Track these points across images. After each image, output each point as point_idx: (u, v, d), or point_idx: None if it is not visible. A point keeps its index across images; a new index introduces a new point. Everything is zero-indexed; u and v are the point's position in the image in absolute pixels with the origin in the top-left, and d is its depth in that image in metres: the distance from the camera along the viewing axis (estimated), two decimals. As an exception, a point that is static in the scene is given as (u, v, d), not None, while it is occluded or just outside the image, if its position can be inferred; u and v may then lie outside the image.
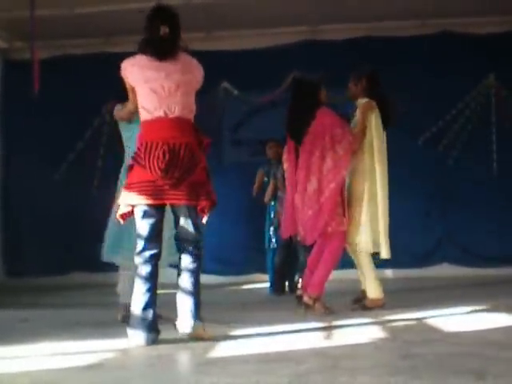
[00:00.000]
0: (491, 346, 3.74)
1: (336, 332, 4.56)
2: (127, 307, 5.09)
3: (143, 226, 4.16)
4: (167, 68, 4.21)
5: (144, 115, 4.21)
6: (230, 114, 10.34)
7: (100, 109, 10.01)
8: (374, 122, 5.83)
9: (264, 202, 8.05)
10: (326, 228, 5.67)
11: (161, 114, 4.15)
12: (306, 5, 9.32)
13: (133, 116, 4.94)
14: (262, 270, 9.02)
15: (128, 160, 4.78)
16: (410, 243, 9.31)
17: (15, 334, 4.70)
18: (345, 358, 3.49)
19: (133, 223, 4.32)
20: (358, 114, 5.94)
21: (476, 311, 5.38)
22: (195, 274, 4.23)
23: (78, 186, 9.84)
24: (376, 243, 5.74)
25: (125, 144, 5.43)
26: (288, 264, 7.89)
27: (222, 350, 3.85)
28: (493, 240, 9.42)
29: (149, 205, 4.12)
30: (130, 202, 4.15)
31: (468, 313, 5.33)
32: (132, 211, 4.18)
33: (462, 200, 9.58)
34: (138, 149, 4.17)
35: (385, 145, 5.91)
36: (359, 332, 4.53)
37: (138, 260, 4.16)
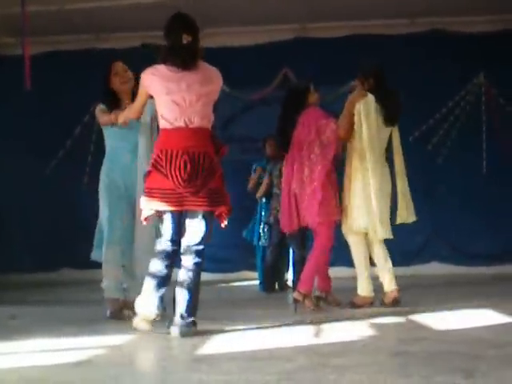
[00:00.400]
0: (480, 343, 3.76)
1: (325, 330, 4.56)
2: (114, 302, 5.12)
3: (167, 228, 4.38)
4: (189, 79, 4.29)
5: (164, 124, 4.31)
6: (220, 111, 10.27)
7: (90, 105, 10.01)
8: (364, 111, 5.83)
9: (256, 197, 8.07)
10: (316, 217, 5.74)
11: (181, 124, 4.25)
12: (296, 2, 9.31)
13: (126, 123, 4.97)
14: (251, 268, 9.02)
15: (108, 169, 5.36)
16: (399, 241, 9.24)
17: (4, 331, 4.68)
18: (334, 355, 3.49)
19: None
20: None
21: (465, 309, 5.40)
22: (196, 271, 4.33)
23: (67, 183, 9.81)
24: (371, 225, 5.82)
25: (110, 150, 5.52)
26: (279, 262, 7.90)
27: (212, 347, 3.85)
28: (482, 238, 9.45)
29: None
30: (153, 207, 4.33)
31: (457, 311, 5.34)
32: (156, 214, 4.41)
33: (451, 198, 9.60)
34: (159, 156, 4.25)
35: (384, 138, 5.95)
36: (349, 330, 4.54)
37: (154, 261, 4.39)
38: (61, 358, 3.59)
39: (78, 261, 9.79)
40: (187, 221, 4.36)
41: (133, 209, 5.14)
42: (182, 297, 4.23)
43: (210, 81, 4.41)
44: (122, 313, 5.15)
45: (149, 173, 4.33)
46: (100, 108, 5.38)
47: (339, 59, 9.58)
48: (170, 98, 4.25)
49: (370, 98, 5.88)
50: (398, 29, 9.89)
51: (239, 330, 4.52)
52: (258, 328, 4.59)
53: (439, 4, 9.27)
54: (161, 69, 4.33)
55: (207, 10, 9.40)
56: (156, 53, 4.53)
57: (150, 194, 4.30)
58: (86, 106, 9.70)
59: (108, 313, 5.18)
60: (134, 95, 5.03)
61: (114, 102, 5.34)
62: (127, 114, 4.83)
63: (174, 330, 4.18)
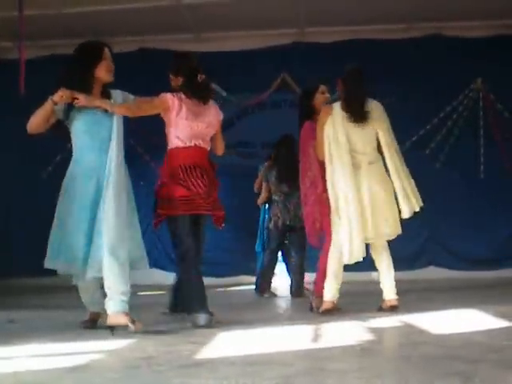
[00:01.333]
0: (479, 348, 3.75)
1: (323, 334, 4.56)
2: (90, 313, 5.06)
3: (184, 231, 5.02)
4: (204, 111, 5.19)
5: (177, 143, 5.08)
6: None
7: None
8: (332, 133, 5.78)
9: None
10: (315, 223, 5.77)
11: (192, 144, 5.09)
12: (294, 7, 9.34)
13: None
14: (249, 272, 9.03)
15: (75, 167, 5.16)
16: (397, 246, 9.25)
17: (2, 335, 4.68)
18: (332, 360, 3.48)
19: (80, 228, 4.71)
20: None
21: (463, 314, 5.40)
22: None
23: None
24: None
25: (79, 147, 5.16)
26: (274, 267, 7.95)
27: (209, 351, 3.85)
28: (479, 243, 9.47)
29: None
30: (175, 212, 4.97)
31: (455, 315, 5.34)
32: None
33: (448, 203, 9.62)
34: (177, 171, 4.99)
35: (367, 139, 5.87)
36: (346, 334, 4.53)
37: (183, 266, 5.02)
38: (58, 362, 3.58)
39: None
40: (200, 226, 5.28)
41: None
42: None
43: (215, 115, 5.35)
44: (94, 323, 5.07)
45: (163, 185, 5.06)
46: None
47: (337, 64, 9.56)
48: (188, 122, 5.07)
49: (336, 109, 5.83)
50: (395, 34, 9.93)
51: (237, 334, 4.51)
52: (256, 332, 4.59)
53: (437, 9, 9.31)
54: (186, 100, 5.12)
55: (205, 14, 9.44)
56: None
57: (170, 201, 4.97)
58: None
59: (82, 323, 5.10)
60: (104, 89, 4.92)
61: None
62: (119, 106, 4.87)
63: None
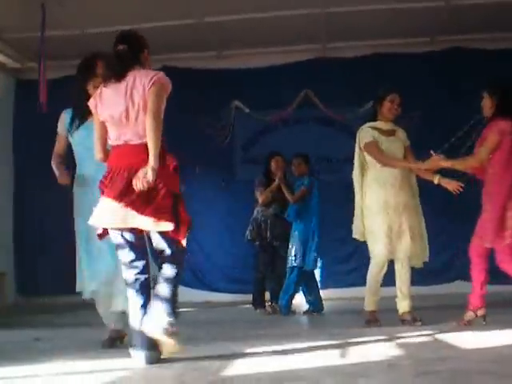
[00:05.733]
0: (508, 363, 3.70)
1: (350, 349, 4.52)
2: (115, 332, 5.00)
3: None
4: (118, 93, 4.21)
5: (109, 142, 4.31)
6: (241, 132, 10.36)
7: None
8: None
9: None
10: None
11: (121, 141, 4.19)
12: (315, 23, 9.35)
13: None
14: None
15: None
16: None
17: (28, 353, 4.69)
18: (359, 375, 3.45)
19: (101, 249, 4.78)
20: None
21: (490, 328, 5.34)
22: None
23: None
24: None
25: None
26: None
27: (236, 368, 3.83)
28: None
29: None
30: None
31: (482, 330, 5.29)
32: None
33: (474, 216, 9.52)
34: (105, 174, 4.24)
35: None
36: (374, 349, 4.50)
37: (127, 275, 4.17)
38: (85, 380, 3.59)
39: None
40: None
41: None
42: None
43: (136, 86, 4.12)
44: (112, 342, 5.01)
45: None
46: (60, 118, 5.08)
47: (359, 78, 9.60)
48: (104, 117, 4.23)
49: None
50: (418, 47, 9.91)
51: (263, 350, 4.48)
52: (283, 348, 4.56)
53: (459, 22, 9.27)
54: (103, 90, 4.26)
55: (228, 31, 9.48)
56: None
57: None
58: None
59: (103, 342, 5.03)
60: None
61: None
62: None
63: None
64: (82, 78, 4.90)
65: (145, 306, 4.09)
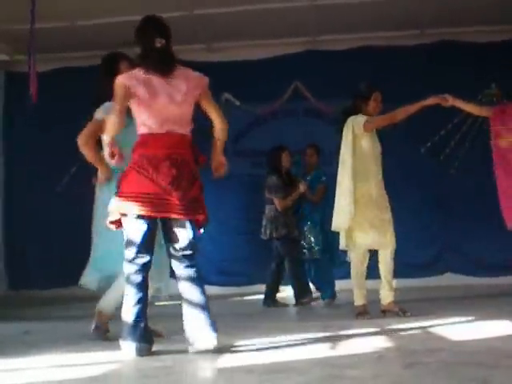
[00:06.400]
0: (495, 354, 3.73)
1: (340, 341, 4.55)
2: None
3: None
4: (170, 86, 4.28)
5: (143, 130, 4.26)
6: (231, 124, 10.26)
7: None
8: None
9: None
10: None
11: (163, 130, 4.23)
12: (305, 15, 9.34)
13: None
14: (262, 281, 9.02)
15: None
16: (413, 253, 9.31)
17: (17, 347, 4.69)
18: (349, 367, 3.47)
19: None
20: None
21: (479, 320, 5.37)
22: (197, 282, 4.21)
23: (80, 199, 9.81)
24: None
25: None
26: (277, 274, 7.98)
27: (227, 360, 3.84)
28: (496, 248, 9.40)
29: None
30: (129, 212, 4.19)
31: (471, 322, 5.31)
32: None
33: (464, 209, 9.57)
34: (141, 161, 4.18)
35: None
36: (363, 341, 4.52)
37: (129, 269, 4.16)
38: (75, 373, 3.59)
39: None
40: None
41: None
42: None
43: (188, 83, 4.30)
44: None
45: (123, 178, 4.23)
46: (110, 106, 4.70)
47: (350, 71, 9.60)
48: (150, 103, 4.18)
49: None
50: (408, 40, 9.92)
51: (254, 343, 4.50)
52: (273, 341, 4.57)
53: (449, 14, 9.28)
54: (142, 74, 4.23)
55: (217, 24, 9.46)
56: None
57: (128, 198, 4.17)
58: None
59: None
60: None
61: None
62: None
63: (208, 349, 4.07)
64: (109, 77, 4.75)
65: (141, 301, 4.12)
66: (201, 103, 4.40)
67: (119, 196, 4.17)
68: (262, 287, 8.21)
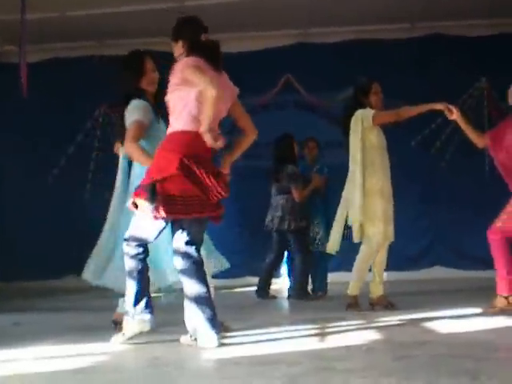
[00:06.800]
0: (484, 346, 3.74)
1: (329, 334, 4.56)
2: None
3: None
4: (223, 83, 4.28)
5: (192, 126, 4.10)
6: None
7: (92, 112, 10.02)
8: None
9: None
10: None
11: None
12: (297, 8, 9.32)
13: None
14: (255, 274, 9.02)
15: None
16: (402, 246, 9.29)
17: (7, 338, 4.69)
18: (338, 359, 3.48)
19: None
20: None
21: (468, 313, 5.39)
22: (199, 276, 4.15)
23: (70, 190, 9.82)
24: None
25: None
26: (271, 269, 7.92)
27: (216, 352, 3.84)
28: (485, 243, 9.41)
29: None
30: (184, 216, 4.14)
31: (461, 314, 5.33)
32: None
33: (454, 202, 9.59)
34: (189, 162, 4.04)
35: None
36: (352, 334, 4.53)
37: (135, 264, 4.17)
38: (64, 364, 3.59)
39: (82, 268, 9.81)
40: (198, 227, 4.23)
41: None
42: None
43: (231, 85, 4.39)
44: None
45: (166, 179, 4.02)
46: (142, 105, 4.70)
47: (341, 64, 9.61)
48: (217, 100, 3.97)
49: None
50: (398, 33, 9.92)
51: (243, 335, 4.51)
52: (262, 333, 4.58)
53: (440, 8, 9.29)
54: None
55: (208, 16, 9.40)
56: None
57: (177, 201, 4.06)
58: (89, 113, 9.73)
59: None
60: (155, 100, 4.80)
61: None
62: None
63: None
64: (135, 75, 4.84)
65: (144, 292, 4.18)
66: (231, 110, 4.39)
67: (161, 195, 3.99)
68: (252, 279, 8.22)
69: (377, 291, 5.99)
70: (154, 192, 3.97)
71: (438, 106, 5.96)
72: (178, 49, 4.30)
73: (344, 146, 6.22)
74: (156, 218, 4.02)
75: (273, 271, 7.98)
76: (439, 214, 9.65)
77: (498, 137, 6.00)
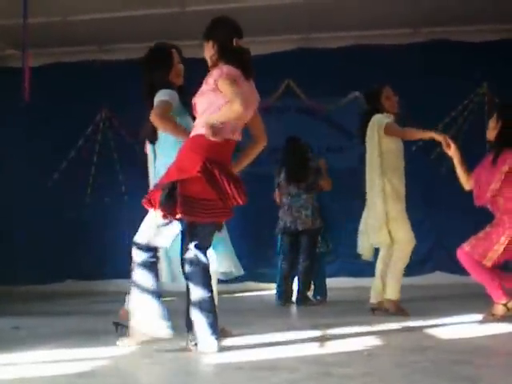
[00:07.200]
0: (484, 353, 3.74)
1: (330, 339, 4.55)
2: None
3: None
4: (251, 91, 4.37)
5: None
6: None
7: (93, 116, 10.03)
8: None
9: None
10: None
11: (234, 137, 4.20)
12: (298, 13, 9.33)
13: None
14: (255, 279, 9.02)
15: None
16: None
17: (6, 342, 4.67)
18: (338, 365, 3.47)
19: None
20: None
21: (469, 319, 5.38)
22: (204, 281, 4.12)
23: (71, 194, 9.83)
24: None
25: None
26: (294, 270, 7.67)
27: (216, 357, 3.83)
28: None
29: None
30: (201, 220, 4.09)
31: (461, 321, 5.32)
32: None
33: (454, 208, 9.58)
34: (212, 167, 4.00)
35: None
36: (353, 339, 4.52)
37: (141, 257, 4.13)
38: (64, 368, 3.58)
39: (82, 272, 9.84)
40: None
41: None
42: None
43: (256, 94, 4.40)
44: None
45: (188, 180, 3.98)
46: (170, 92, 4.60)
47: (342, 69, 9.61)
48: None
49: None
50: (400, 39, 9.92)
51: (244, 340, 4.50)
52: (262, 338, 4.57)
53: (441, 14, 9.29)
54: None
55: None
56: None
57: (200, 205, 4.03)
58: (89, 117, 9.74)
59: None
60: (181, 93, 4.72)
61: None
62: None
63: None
64: (164, 68, 4.80)
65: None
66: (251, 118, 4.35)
67: (180, 195, 3.95)
68: (252, 284, 8.20)
69: (378, 295, 5.99)
70: (172, 191, 3.94)
71: (438, 137, 5.96)
72: (209, 49, 4.29)
73: (363, 153, 6.24)
74: (169, 217, 4.01)
75: (311, 274, 7.68)
76: (440, 219, 9.64)
77: (479, 180, 5.92)
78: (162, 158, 4.67)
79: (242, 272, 5.09)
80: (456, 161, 5.92)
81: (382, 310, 5.91)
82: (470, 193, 9.36)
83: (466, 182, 5.94)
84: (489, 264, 5.46)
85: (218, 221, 4.21)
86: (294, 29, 9.95)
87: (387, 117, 6.07)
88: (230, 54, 4.19)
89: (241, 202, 4.08)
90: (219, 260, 4.75)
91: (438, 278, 9.52)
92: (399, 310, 5.85)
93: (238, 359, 3.75)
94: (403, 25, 9.76)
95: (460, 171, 5.94)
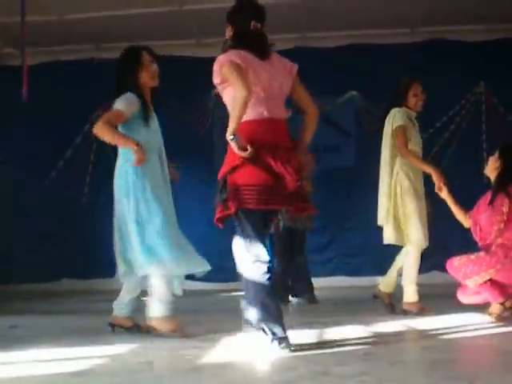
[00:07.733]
0: (481, 352, 3.74)
1: (326, 339, 4.54)
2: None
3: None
4: (270, 68, 4.20)
5: (248, 114, 3.99)
6: (221, 120, 10.31)
7: (90, 115, 10.01)
8: None
9: None
10: None
11: (268, 115, 4.11)
12: (295, 12, 9.33)
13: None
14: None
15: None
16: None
17: (4, 341, 4.66)
18: (335, 364, 3.47)
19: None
20: None
21: (467, 318, 5.39)
22: None
23: (67, 193, 9.82)
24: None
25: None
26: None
27: (212, 356, 3.84)
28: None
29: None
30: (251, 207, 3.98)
31: (459, 320, 5.32)
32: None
33: (450, 209, 9.58)
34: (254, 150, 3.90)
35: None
36: (351, 339, 4.52)
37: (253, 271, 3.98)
38: (61, 367, 3.58)
39: (79, 271, 9.83)
40: None
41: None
42: None
43: (283, 67, 4.27)
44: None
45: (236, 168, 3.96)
46: (131, 98, 4.66)
47: (339, 69, 9.61)
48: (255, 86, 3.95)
49: None
50: (397, 38, 9.92)
51: (238, 339, 4.48)
52: (259, 337, 4.56)
53: (439, 13, 9.30)
54: (242, 53, 4.05)
55: (207, 19, 9.43)
56: None
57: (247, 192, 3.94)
58: (87, 115, 9.72)
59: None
60: (153, 94, 4.83)
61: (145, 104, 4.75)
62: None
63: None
64: (134, 68, 4.80)
65: None
66: (292, 90, 4.30)
67: (230, 187, 3.96)
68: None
69: (387, 288, 5.98)
70: (224, 187, 3.96)
71: (435, 175, 5.88)
72: (228, 33, 4.31)
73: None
74: (226, 214, 4.00)
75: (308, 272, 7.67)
76: (437, 218, 9.63)
77: (478, 220, 5.92)
78: (120, 158, 4.79)
79: (208, 267, 5.06)
80: (449, 202, 5.94)
81: (382, 302, 5.91)
82: (467, 192, 9.39)
83: (464, 220, 6.00)
84: (471, 285, 5.46)
85: (274, 207, 4.05)
86: (290, 28, 9.94)
87: (405, 114, 5.95)
88: (242, 39, 4.17)
89: (293, 185, 3.89)
90: (184, 263, 4.73)
91: (436, 278, 9.51)
92: (421, 309, 5.83)
93: (232, 358, 3.75)
94: (400, 24, 9.77)
95: (456, 211, 6.01)
